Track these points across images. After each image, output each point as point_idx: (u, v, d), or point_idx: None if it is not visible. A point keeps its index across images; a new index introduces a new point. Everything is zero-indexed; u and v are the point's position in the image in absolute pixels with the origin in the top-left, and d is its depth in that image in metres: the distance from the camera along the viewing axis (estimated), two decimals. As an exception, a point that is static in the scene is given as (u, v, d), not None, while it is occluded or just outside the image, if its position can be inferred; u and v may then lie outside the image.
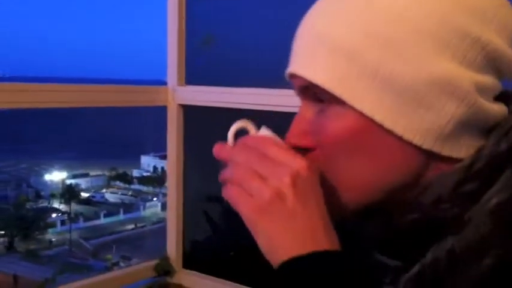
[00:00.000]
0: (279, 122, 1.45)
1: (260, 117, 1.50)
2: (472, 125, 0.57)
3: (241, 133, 0.66)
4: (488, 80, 0.57)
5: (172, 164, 1.72)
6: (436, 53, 0.55)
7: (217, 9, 1.54)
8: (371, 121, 0.57)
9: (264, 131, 0.64)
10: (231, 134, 0.65)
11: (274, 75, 1.39)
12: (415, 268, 0.57)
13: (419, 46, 0.55)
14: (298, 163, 0.56)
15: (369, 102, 0.56)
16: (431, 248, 0.57)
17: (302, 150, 0.62)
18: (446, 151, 0.57)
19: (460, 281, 0.53)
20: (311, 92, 0.61)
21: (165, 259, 1.76)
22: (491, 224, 0.53)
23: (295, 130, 0.64)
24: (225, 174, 0.61)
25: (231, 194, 0.59)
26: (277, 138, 0.62)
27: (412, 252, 0.58)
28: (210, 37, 1.54)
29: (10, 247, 25.73)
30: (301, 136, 0.63)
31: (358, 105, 0.57)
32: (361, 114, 0.57)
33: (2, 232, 26.13)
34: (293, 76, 0.63)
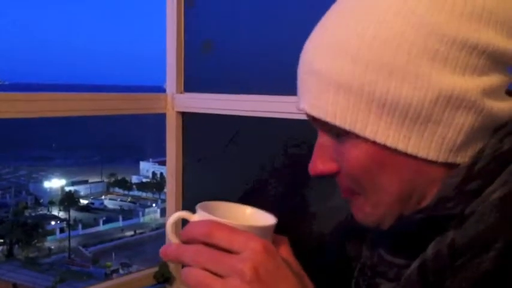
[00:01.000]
0: (278, 128, 1.46)
1: (260, 124, 1.51)
2: (483, 129, 0.57)
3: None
4: (495, 79, 0.57)
5: (171, 171, 1.72)
6: (437, 69, 0.55)
7: (216, 16, 1.54)
8: (385, 146, 0.57)
9: (201, 213, 0.60)
10: (169, 230, 0.61)
11: (274, 81, 1.39)
12: (416, 262, 0.57)
13: (418, 66, 0.55)
14: (253, 249, 0.54)
15: (379, 129, 0.57)
16: (433, 242, 0.57)
17: (329, 176, 0.63)
18: (460, 159, 0.57)
19: (464, 274, 0.53)
20: (325, 124, 0.60)
21: (165, 266, 1.76)
22: (496, 217, 0.53)
23: (318, 158, 0.64)
24: (182, 277, 0.56)
25: None
26: (217, 218, 0.58)
27: (416, 249, 0.59)
28: (208, 42, 1.54)
29: (9, 255, 25.68)
30: (326, 163, 0.63)
31: (369, 135, 0.57)
32: (374, 141, 0.57)
33: (1, 240, 26.08)
34: (302, 110, 0.63)
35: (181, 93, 1.65)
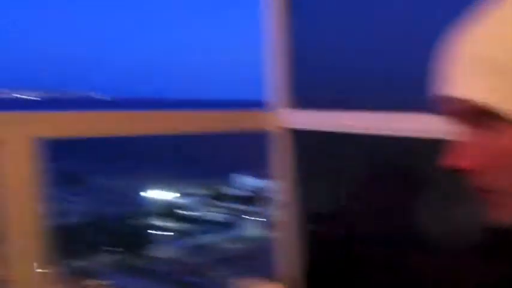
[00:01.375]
0: (395, 148, 1.37)
1: (374, 143, 1.44)
2: None
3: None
4: None
5: (280, 187, 1.71)
6: None
7: (326, 18, 1.45)
8: None
9: None
10: None
11: (392, 96, 1.29)
12: None
13: None
14: None
15: None
16: None
17: (465, 172, 0.63)
18: None
19: None
20: (469, 114, 0.61)
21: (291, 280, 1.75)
22: None
23: (458, 153, 0.63)
24: None
25: None
26: None
27: None
28: (316, 52, 1.47)
29: (119, 263, 27.08)
30: (466, 158, 0.63)
31: None
32: None
33: (111, 248, 27.55)
34: (449, 99, 0.63)
35: (290, 109, 1.60)
